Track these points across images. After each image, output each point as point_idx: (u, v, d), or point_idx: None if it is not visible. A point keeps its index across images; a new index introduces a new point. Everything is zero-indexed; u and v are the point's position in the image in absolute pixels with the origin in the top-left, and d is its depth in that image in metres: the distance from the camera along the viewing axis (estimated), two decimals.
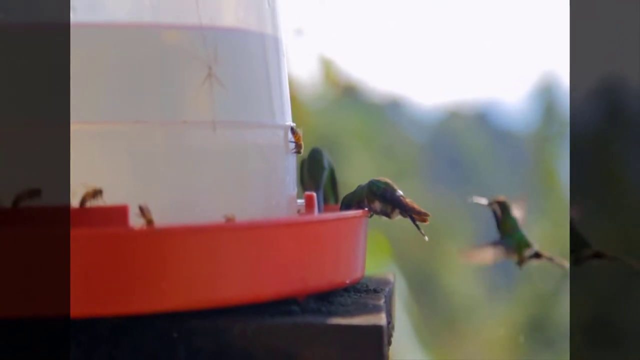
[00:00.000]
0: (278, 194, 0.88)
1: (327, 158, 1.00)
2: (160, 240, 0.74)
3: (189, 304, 0.75)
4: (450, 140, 5.35)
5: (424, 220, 0.91)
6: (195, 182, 0.82)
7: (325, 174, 0.98)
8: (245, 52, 0.86)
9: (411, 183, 5.08)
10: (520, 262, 1.11)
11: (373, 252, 3.24)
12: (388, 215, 0.91)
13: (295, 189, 0.92)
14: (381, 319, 0.77)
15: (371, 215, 0.91)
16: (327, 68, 3.69)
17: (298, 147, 0.90)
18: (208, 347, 0.76)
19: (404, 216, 0.91)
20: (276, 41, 0.91)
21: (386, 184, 0.91)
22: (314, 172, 0.98)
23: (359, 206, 0.90)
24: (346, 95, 4.79)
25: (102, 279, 0.73)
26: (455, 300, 4.80)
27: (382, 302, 0.83)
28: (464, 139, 5.33)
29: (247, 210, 0.83)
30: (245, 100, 0.86)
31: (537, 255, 1.11)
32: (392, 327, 0.91)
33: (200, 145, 0.82)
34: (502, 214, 1.11)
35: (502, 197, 1.12)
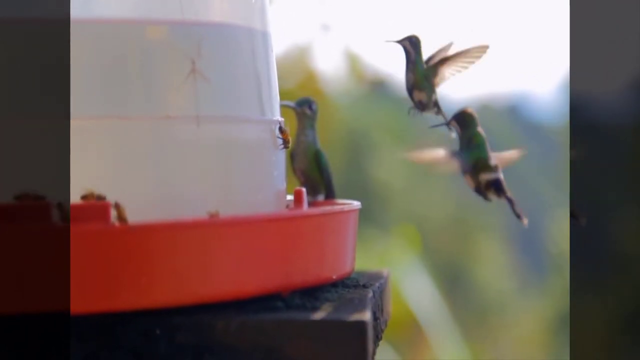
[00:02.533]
0: (265, 189, 0.87)
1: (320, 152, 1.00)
2: (141, 237, 0.74)
3: (172, 301, 0.75)
4: None
5: None
6: (180, 177, 0.82)
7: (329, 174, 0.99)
8: (232, 47, 0.86)
9: (442, 177, 5.06)
10: (477, 186, 0.94)
11: (403, 243, 3.23)
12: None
13: (285, 184, 0.91)
14: (365, 315, 0.76)
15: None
16: (353, 63, 3.69)
17: (285, 142, 0.89)
18: (191, 344, 0.75)
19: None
20: (265, 36, 0.90)
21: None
22: (321, 174, 0.99)
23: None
24: (375, 89, 4.77)
25: (83, 277, 0.72)
26: (487, 295, 4.77)
27: (369, 297, 0.82)
28: (494, 132, 5.30)
29: (233, 205, 0.82)
30: (231, 95, 0.85)
31: (497, 186, 0.93)
32: (385, 322, 0.90)
33: (184, 140, 0.82)
34: (462, 128, 0.95)
35: (468, 109, 0.97)
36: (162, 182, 0.81)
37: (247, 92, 0.87)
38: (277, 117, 0.91)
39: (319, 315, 0.76)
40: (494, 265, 4.86)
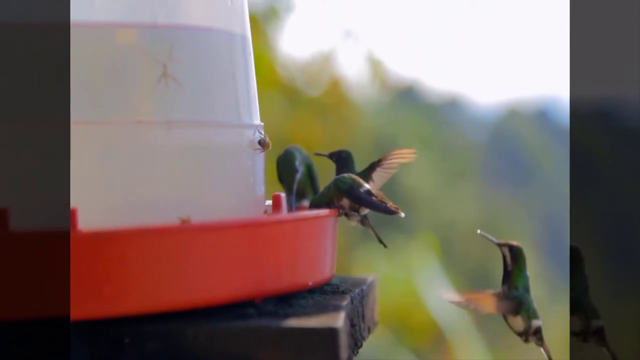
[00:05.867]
0: (241, 194, 0.86)
1: (302, 156, 0.98)
2: (108, 244, 0.73)
3: (141, 309, 0.74)
4: (509, 138, 5.29)
5: (396, 213, 0.87)
6: (151, 182, 0.80)
7: (298, 175, 0.95)
8: (207, 51, 0.84)
9: (470, 183, 5.02)
10: (524, 335, 0.90)
11: (426, 250, 3.21)
12: (357, 211, 0.88)
13: (263, 190, 0.90)
14: (337, 321, 0.75)
15: (340, 214, 0.88)
16: (376, 69, 3.68)
17: (264, 147, 0.88)
18: (161, 352, 0.74)
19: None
20: (243, 40, 0.89)
21: (352, 179, 0.88)
22: (285, 175, 0.95)
23: (329, 206, 0.87)
24: (403, 95, 4.76)
25: (47, 284, 0.71)
26: None
27: (344, 303, 0.81)
28: (523, 137, 5.26)
29: (207, 211, 0.81)
30: (206, 100, 0.84)
31: (538, 334, 0.90)
32: (366, 329, 0.89)
33: (155, 145, 0.80)
34: (512, 263, 0.90)
35: (516, 243, 0.91)
36: (132, 187, 0.80)
37: (222, 96, 0.85)
38: (256, 121, 0.89)
39: (290, 322, 0.75)
40: None
